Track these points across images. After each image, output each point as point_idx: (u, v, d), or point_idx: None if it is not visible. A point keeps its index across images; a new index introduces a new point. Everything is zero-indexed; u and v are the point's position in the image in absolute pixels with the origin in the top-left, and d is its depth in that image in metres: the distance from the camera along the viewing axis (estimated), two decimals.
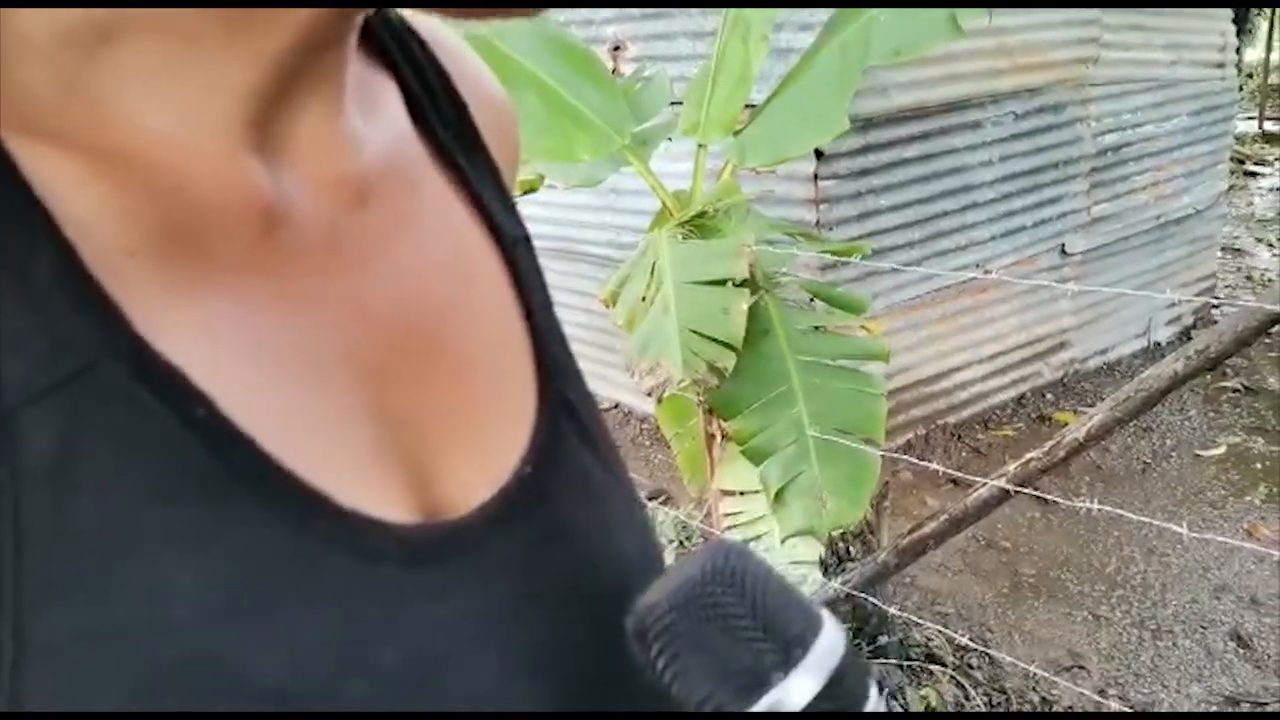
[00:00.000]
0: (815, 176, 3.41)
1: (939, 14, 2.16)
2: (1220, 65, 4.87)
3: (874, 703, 0.37)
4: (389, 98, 0.43)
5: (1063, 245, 4.32)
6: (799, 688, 0.35)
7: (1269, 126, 10.31)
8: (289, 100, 0.35)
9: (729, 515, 2.48)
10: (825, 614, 0.38)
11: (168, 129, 0.32)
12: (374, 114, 0.41)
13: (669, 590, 0.37)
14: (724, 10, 2.40)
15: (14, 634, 0.27)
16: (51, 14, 0.29)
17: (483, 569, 0.37)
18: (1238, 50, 5.11)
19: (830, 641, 0.37)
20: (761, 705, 0.35)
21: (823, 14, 2.65)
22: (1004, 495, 2.25)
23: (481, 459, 0.39)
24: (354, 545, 0.33)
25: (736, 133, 2.36)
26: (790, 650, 0.36)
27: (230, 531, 0.31)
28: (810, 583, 2.37)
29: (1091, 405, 2.46)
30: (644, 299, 2.18)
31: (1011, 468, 2.22)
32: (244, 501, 0.31)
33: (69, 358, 0.29)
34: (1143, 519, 2.14)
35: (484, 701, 0.35)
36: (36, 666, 0.27)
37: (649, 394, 2.10)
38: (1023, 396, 4.36)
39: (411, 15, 0.46)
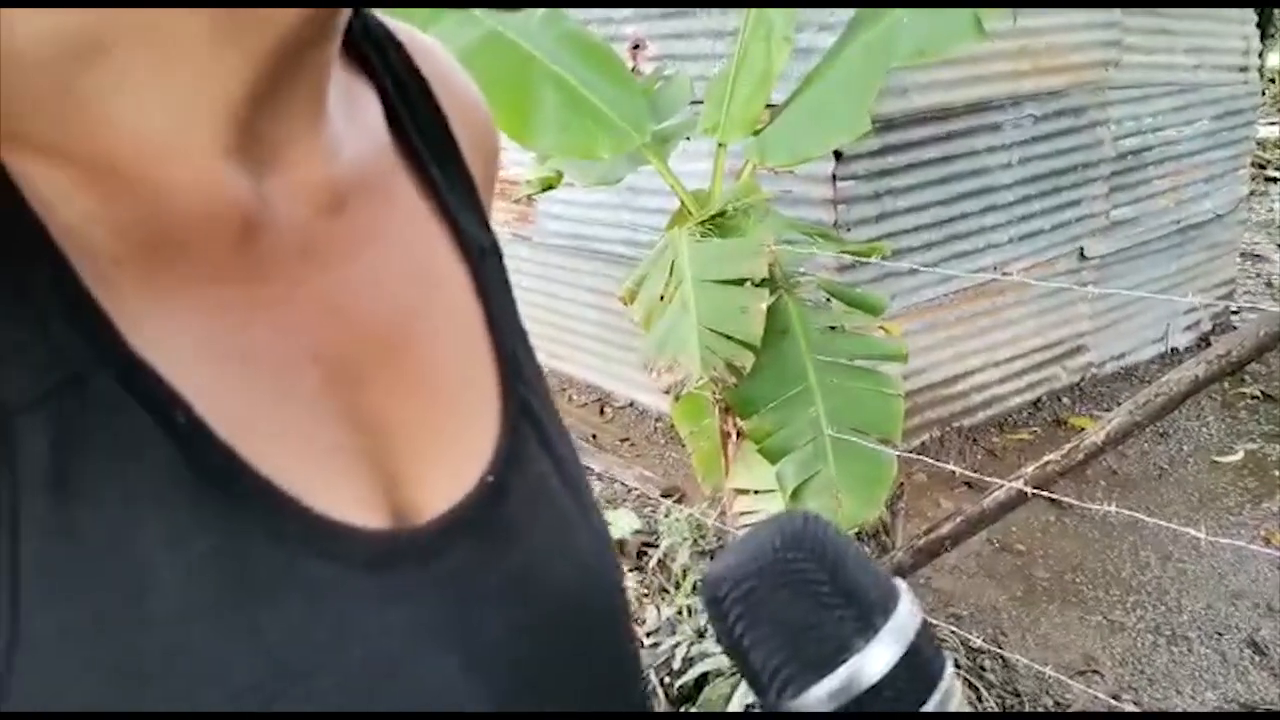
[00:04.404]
0: (834, 177, 3.40)
1: (963, 15, 2.15)
2: (1243, 69, 4.83)
3: (950, 674, 0.36)
4: (368, 106, 0.43)
5: (1081, 248, 4.30)
6: (879, 656, 0.35)
7: None
8: (273, 104, 0.35)
9: (743, 513, 2.49)
10: (901, 584, 0.37)
11: (155, 135, 0.33)
12: (353, 121, 0.42)
13: (744, 558, 0.37)
14: (745, 10, 2.40)
15: (9, 623, 0.28)
16: (46, 23, 0.30)
17: (441, 574, 0.38)
18: (1261, 54, 5.07)
19: (908, 611, 0.36)
20: (841, 673, 0.35)
21: (844, 14, 2.65)
22: (1019, 498, 2.25)
23: (448, 465, 0.40)
24: (322, 549, 0.34)
25: (756, 132, 2.36)
26: (871, 618, 0.35)
27: (207, 532, 0.32)
28: None
29: (1108, 410, 2.45)
30: (662, 297, 2.18)
31: (1028, 470, 2.22)
32: (220, 504, 0.32)
33: (63, 366, 0.30)
34: (1159, 523, 2.13)
35: (443, 696, 0.36)
36: (27, 657, 0.28)
37: (666, 392, 2.11)
38: (1039, 400, 4.35)
39: (396, 25, 0.46)
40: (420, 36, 0.48)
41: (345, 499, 0.36)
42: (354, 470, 0.37)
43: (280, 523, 0.33)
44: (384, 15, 0.46)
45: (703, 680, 2.29)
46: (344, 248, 0.39)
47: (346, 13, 0.37)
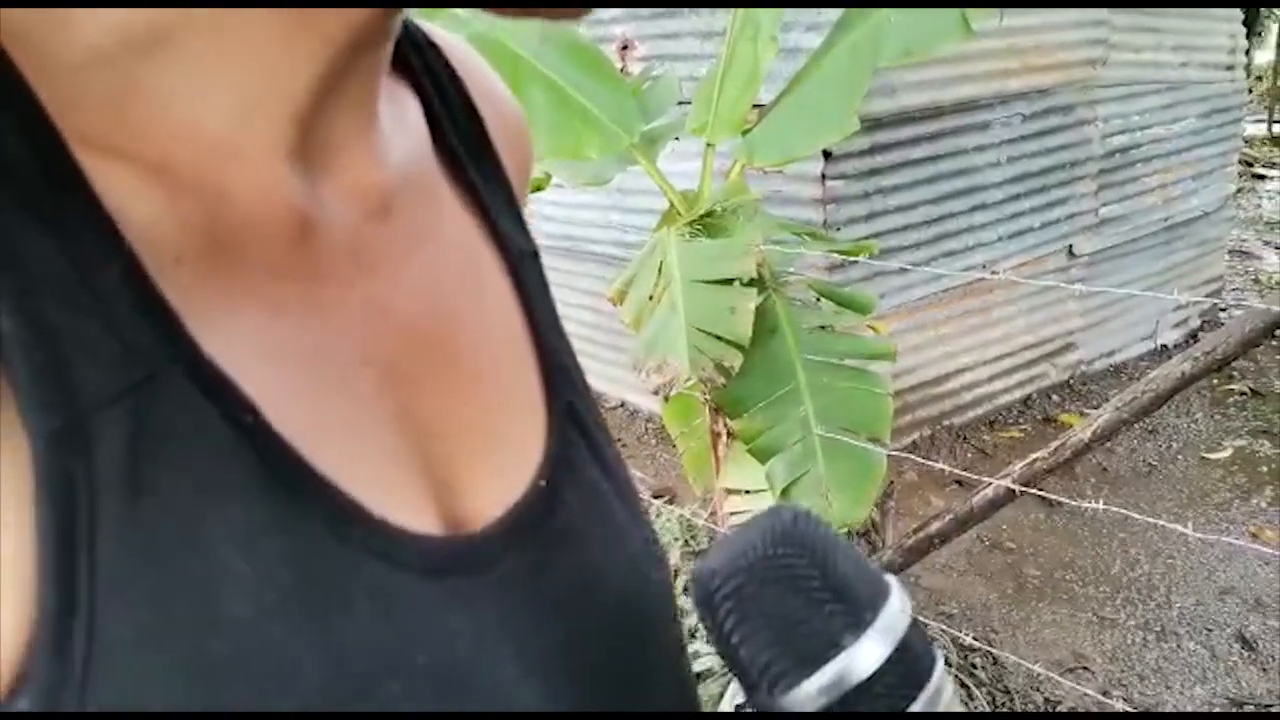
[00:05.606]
0: (823, 176, 3.41)
1: (950, 14, 2.16)
2: (1229, 67, 4.86)
3: (940, 672, 0.36)
4: (410, 110, 0.44)
5: (1070, 246, 4.32)
6: (869, 652, 0.35)
7: (1278, 129, 10.27)
8: (332, 107, 0.36)
9: (734, 514, 2.49)
10: (891, 580, 0.37)
11: (219, 134, 0.33)
12: (398, 125, 0.42)
13: (735, 554, 0.37)
14: (733, 10, 2.40)
15: (87, 628, 0.28)
16: (114, 17, 0.31)
17: (497, 581, 0.38)
18: (1247, 53, 5.10)
19: (898, 607, 0.36)
20: (831, 668, 0.34)
21: (831, 14, 2.65)
22: (1009, 496, 2.25)
23: (500, 470, 0.40)
24: (384, 553, 0.34)
25: (745, 132, 2.37)
26: (861, 614, 0.35)
27: (276, 533, 0.32)
28: None
29: (1097, 407, 2.46)
30: (651, 297, 2.18)
31: (1017, 468, 2.22)
32: (286, 506, 0.32)
33: (137, 364, 0.30)
34: (1148, 520, 2.14)
35: (505, 702, 0.36)
36: (105, 659, 0.28)
37: (655, 392, 2.11)
38: (1029, 398, 4.36)
39: (430, 28, 0.46)
40: (454, 40, 0.48)
41: (400, 504, 0.36)
42: (408, 475, 0.37)
43: (344, 526, 0.33)
44: (416, 17, 0.46)
45: (695, 680, 2.29)
46: (392, 252, 0.39)
47: (402, 15, 0.37)
